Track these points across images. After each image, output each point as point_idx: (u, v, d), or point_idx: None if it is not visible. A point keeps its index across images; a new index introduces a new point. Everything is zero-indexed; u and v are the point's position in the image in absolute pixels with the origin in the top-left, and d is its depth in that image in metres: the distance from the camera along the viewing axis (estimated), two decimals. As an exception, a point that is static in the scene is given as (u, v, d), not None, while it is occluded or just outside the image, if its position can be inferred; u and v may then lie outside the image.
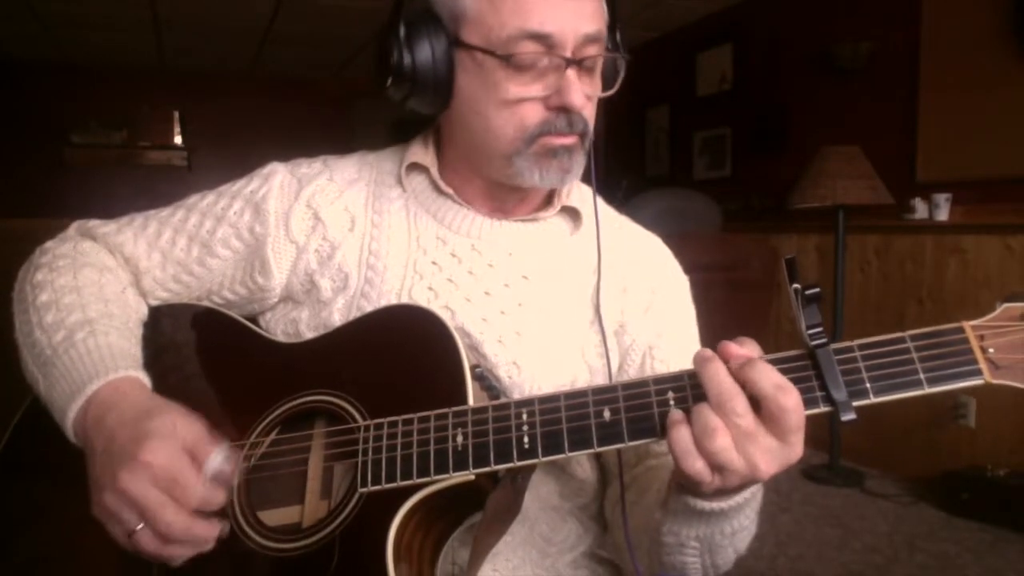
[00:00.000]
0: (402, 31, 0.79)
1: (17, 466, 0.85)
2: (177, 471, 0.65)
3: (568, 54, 0.76)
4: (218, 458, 0.67)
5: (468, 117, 0.82)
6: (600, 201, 0.91)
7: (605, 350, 0.85)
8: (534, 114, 0.78)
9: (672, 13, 4.62)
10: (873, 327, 3.58)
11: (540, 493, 0.86)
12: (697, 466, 0.59)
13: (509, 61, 0.75)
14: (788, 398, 0.57)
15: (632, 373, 0.88)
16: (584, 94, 0.78)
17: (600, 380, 0.86)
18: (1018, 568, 2.58)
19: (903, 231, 3.46)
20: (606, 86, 0.83)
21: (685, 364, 0.86)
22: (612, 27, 0.84)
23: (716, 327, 0.93)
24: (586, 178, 0.94)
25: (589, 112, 0.81)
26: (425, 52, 0.79)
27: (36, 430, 0.79)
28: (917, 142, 3.41)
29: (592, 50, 0.78)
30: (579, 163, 0.81)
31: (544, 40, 0.75)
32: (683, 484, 0.67)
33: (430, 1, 0.80)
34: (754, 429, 0.58)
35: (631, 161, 5.33)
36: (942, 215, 3.25)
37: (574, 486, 0.89)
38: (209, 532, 0.67)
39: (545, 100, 0.77)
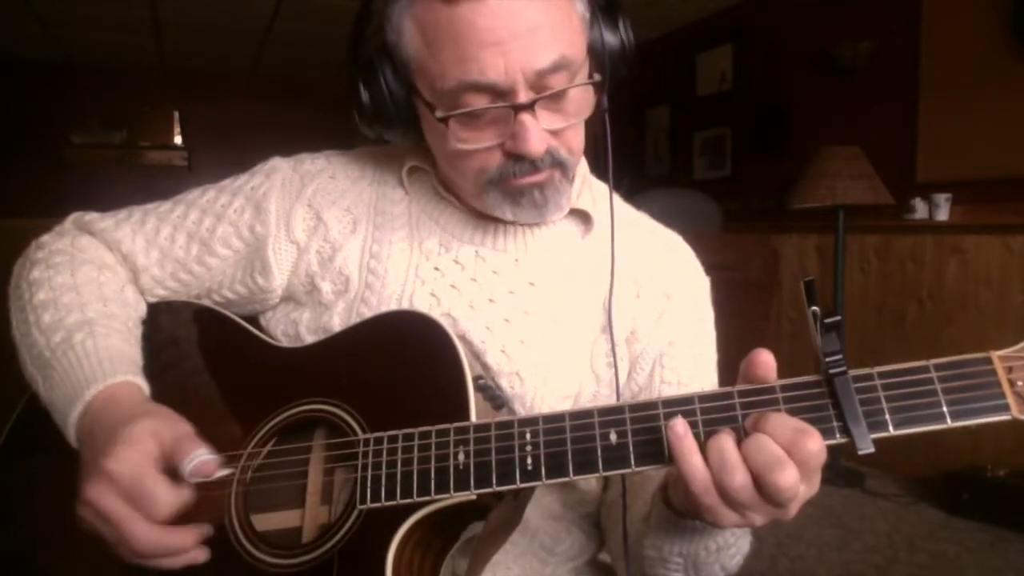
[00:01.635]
0: (359, 79, 0.75)
1: (19, 460, 0.84)
2: (141, 481, 0.62)
3: (520, 98, 0.68)
4: (195, 460, 0.63)
5: (437, 156, 0.80)
6: (616, 198, 0.87)
7: (614, 360, 0.82)
8: (492, 160, 0.73)
9: (672, 13, 4.62)
10: (873, 327, 3.59)
11: (542, 503, 0.84)
12: (713, 501, 0.57)
13: (448, 121, 0.70)
14: (812, 441, 0.55)
15: (640, 381, 0.85)
16: (550, 129, 0.72)
17: (608, 390, 0.83)
18: (1018, 568, 2.58)
19: (903, 231, 3.46)
20: (589, 104, 0.76)
21: (695, 373, 0.86)
22: (613, 15, 0.77)
23: (716, 327, 0.92)
24: (597, 173, 0.91)
25: (565, 139, 0.74)
26: (384, 98, 0.75)
27: (37, 424, 0.78)
28: (917, 142, 3.41)
29: (556, 80, 0.70)
30: (559, 193, 0.76)
31: (488, 89, 0.68)
32: (667, 499, 0.66)
33: (385, 43, 0.74)
34: (755, 496, 0.56)
35: (631, 161, 5.33)
36: (942, 215, 3.25)
37: (577, 496, 0.87)
38: (183, 542, 0.64)
39: (502, 146, 0.72)
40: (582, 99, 0.75)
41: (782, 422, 0.56)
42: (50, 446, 0.75)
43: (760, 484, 0.55)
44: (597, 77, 0.75)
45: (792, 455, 0.55)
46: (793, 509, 0.58)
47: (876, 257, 3.62)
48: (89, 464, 0.66)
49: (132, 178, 6.00)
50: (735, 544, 0.71)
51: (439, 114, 0.70)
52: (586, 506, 0.89)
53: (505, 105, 0.69)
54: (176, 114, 6.24)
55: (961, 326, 3.24)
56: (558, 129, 0.73)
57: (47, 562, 0.79)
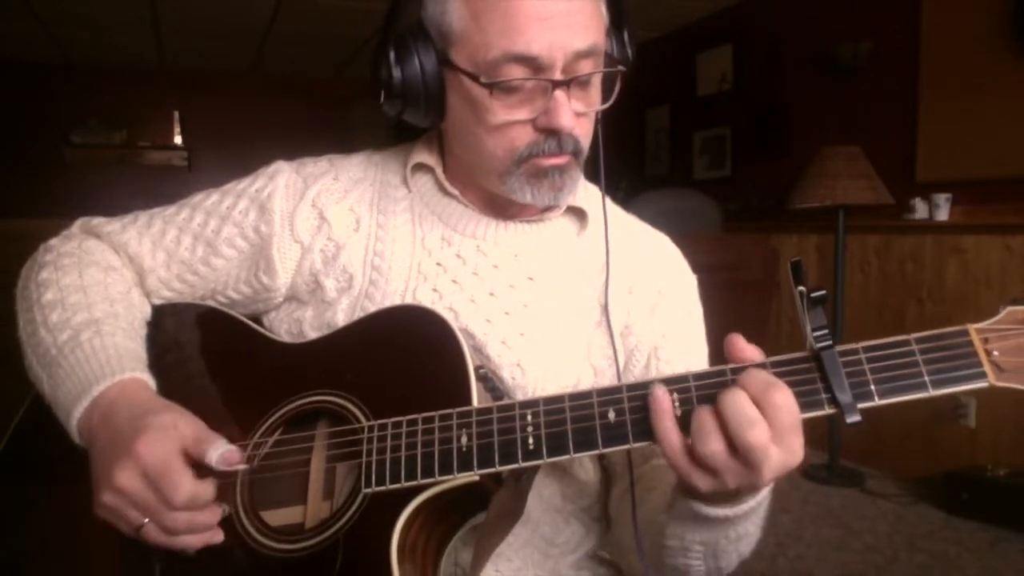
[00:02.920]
0: (391, 50, 0.78)
1: (20, 463, 0.85)
2: (167, 466, 0.66)
3: (557, 75, 0.73)
4: (220, 450, 0.68)
5: (460, 134, 0.81)
6: (608, 200, 0.90)
7: (613, 351, 0.85)
8: (523, 136, 0.76)
9: (672, 13, 4.62)
10: (873, 327, 3.59)
11: (543, 495, 0.86)
12: (685, 466, 0.60)
13: (494, 89, 0.73)
14: (781, 395, 0.58)
15: (636, 374, 0.88)
16: (576, 112, 0.75)
17: (605, 381, 0.85)
18: (1018, 568, 2.58)
19: (903, 231, 3.46)
20: (605, 96, 0.81)
21: (688, 364, 0.87)
22: (620, 25, 0.81)
23: (716, 327, 0.93)
24: (592, 177, 0.94)
25: (583, 128, 0.78)
26: (414, 71, 0.77)
27: (39, 427, 0.79)
28: (917, 142, 3.41)
29: (586, 66, 0.75)
30: (573, 180, 0.80)
31: (531, 62, 0.72)
32: (689, 489, 0.67)
33: (421, 16, 0.78)
34: (728, 461, 0.59)
35: (631, 161, 5.34)
36: (942, 215, 3.25)
37: (577, 487, 0.89)
38: (212, 519, 0.68)
39: (534, 122, 0.75)
40: (600, 91, 0.80)
41: (757, 375, 0.59)
42: (52, 451, 0.76)
43: (733, 442, 0.58)
44: (622, 68, 0.80)
45: (762, 407, 0.58)
46: (766, 474, 0.59)
47: (876, 257, 3.62)
48: (109, 452, 0.68)
49: (132, 178, 6.01)
50: (754, 533, 0.72)
51: (484, 80, 0.73)
52: (585, 499, 0.90)
53: (545, 79, 0.73)
54: (176, 114, 6.24)
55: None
56: (580, 114, 0.77)
57: (46, 565, 0.80)
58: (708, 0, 4.44)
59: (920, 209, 3.34)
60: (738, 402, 0.58)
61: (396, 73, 0.78)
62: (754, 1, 4.36)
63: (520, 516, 0.77)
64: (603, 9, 0.79)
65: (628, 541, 0.83)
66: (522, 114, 0.75)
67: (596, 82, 0.78)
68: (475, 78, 0.74)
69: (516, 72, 0.73)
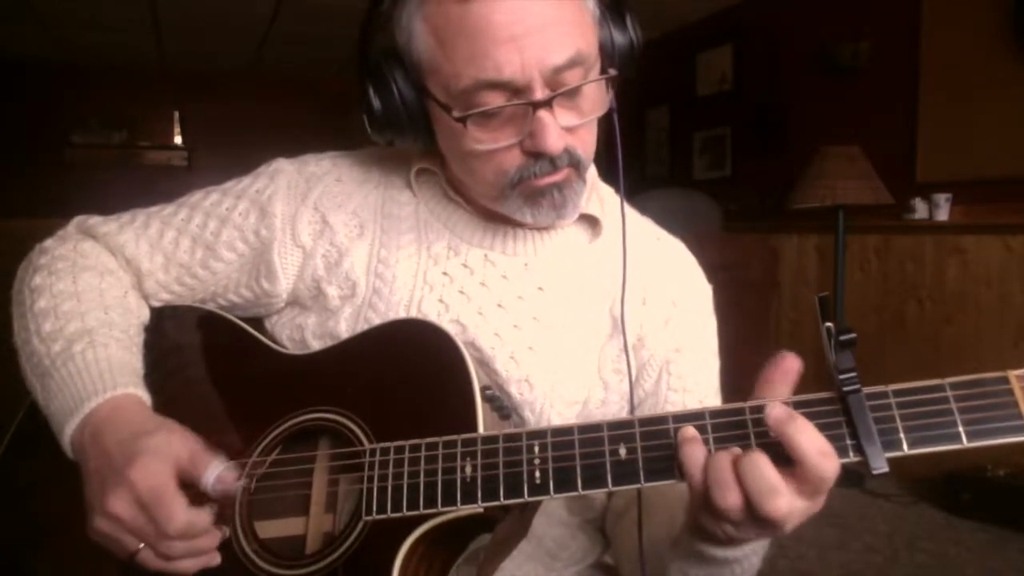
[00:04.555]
0: (368, 83, 0.74)
1: (19, 466, 0.84)
2: (161, 494, 0.64)
3: (536, 95, 0.67)
4: (215, 472, 0.66)
5: (450, 158, 0.79)
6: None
7: (627, 366, 0.81)
8: (511, 160, 0.71)
9: (672, 13, 4.61)
10: (873, 327, 3.59)
11: (547, 509, 0.84)
12: (708, 523, 0.58)
13: (467, 121, 0.69)
14: (831, 465, 0.55)
15: (647, 388, 0.85)
16: (566, 127, 0.70)
17: (616, 396, 0.83)
18: (1018, 568, 2.58)
19: (903, 231, 3.45)
20: (602, 102, 0.75)
21: (700, 379, 0.86)
22: (618, 10, 0.76)
23: (717, 327, 0.92)
24: (605, 177, 0.90)
25: (580, 138, 0.73)
26: (394, 102, 0.74)
27: (39, 429, 0.78)
28: (917, 142, 3.40)
29: (571, 77, 0.69)
30: (576, 193, 0.75)
31: (505, 87, 0.67)
32: (696, 530, 0.65)
33: (395, 45, 0.73)
34: (745, 516, 0.56)
35: (631, 161, 5.32)
36: (942, 215, 3.25)
37: (583, 502, 0.87)
38: (209, 544, 0.66)
39: (520, 144, 0.70)
40: (596, 96, 0.74)
41: (815, 442, 0.55)
42: (53, 450, 0.75)
43: (751, 507, 0.55)
44: (612, 72, 0.74)
45: (807, 475, 0.54)
46: (788, 530, 0.57)
47: (876, 257, 3.62)
48: (100, 475, 0.66)
49: (132, 178, 6.00)
50: (757, 563, 0.70)
51: (456, 114, 0.69)
52: (591, 511, 0.88)
53: (522, 103, 0.68)
54: (176, 114, 6.24)
55: (961, 326, 3.24)
56: (574, 126, 0.72)
57: (45, 565, 0.79)
58: (708, 0, 4.44)
59: (920, 209, 3.33)
60: (759, 468, 0.55)
61: (376, 104, 0.74)
62: (754, 1, 4.35)
63: (524, 537, 0.75)
64: (590, 5, 0.73)
65: (625, 563, 0.81)
66: (507, 138, 0.70)
67: (589, 89, 0.72)
68: (448, 110, 0.70)
69: (493, 99, 0.68)
